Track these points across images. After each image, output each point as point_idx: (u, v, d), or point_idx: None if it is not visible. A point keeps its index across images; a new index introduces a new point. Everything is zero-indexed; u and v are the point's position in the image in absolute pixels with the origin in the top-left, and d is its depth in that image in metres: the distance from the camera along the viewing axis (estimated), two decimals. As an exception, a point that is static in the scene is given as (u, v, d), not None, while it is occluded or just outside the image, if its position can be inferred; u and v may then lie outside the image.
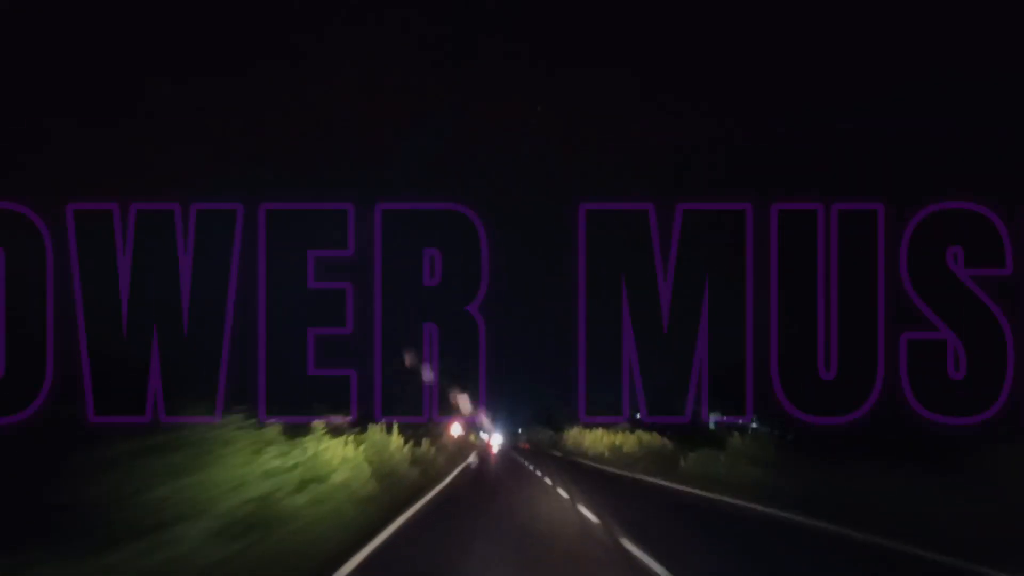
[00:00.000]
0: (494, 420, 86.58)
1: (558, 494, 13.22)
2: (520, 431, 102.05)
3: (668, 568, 5.60)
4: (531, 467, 23.89)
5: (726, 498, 12.15)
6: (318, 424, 8.79)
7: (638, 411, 39.93)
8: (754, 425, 20.70)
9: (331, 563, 5.77)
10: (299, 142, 18.19)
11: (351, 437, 10.36)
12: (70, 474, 4.74)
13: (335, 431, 9.59)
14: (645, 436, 24.03)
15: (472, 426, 78.72)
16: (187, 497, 5.30)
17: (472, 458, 31.21)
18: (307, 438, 8.28)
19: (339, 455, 9.22)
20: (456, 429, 45.86)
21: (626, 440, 25.61)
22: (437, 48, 18.03)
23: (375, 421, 13.67)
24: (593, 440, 31.39)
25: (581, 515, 9.71)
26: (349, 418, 11.77)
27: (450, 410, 47.58)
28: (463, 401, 53.28)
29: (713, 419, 24.14)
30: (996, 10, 11.93)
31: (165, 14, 12.44)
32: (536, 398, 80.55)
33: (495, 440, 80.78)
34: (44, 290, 8.72)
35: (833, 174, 15.36)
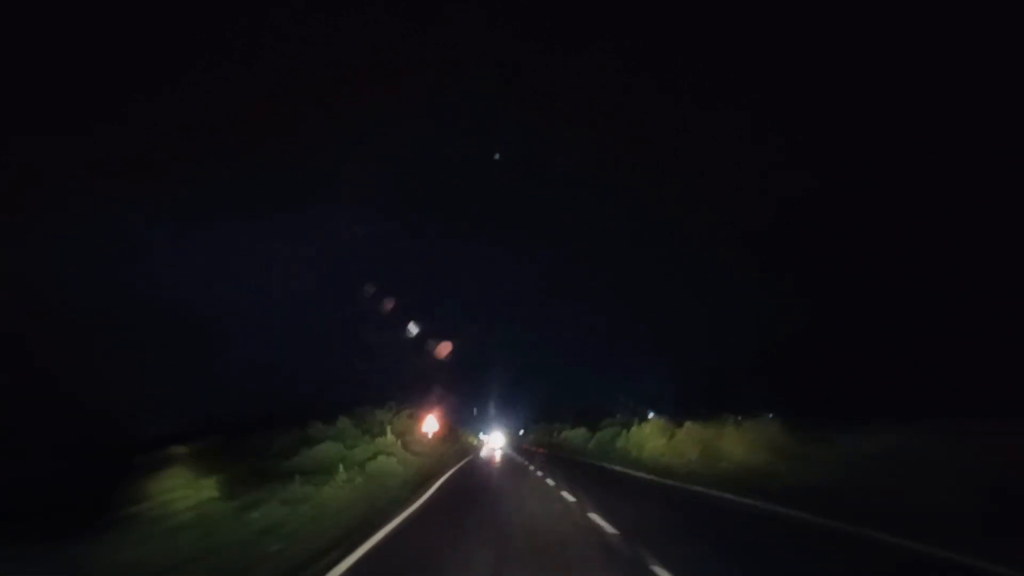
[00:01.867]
0: (491, 416, 67.82)
1: None
2: (523, 431, 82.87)
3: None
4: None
5: None
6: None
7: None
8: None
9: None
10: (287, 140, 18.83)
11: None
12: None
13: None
14: None
15: (463, 421, 60.19)
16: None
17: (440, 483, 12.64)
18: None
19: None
20: (431, 424, 27.44)
21: None
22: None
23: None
24: (740, 441, 12.34)
25: None
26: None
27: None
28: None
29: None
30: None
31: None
32: (548, 387, 63.89)
33: (495, 441, 61.25)
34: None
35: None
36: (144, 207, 15.99)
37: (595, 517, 8.17)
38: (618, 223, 31.11)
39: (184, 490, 7.67)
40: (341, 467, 10.50)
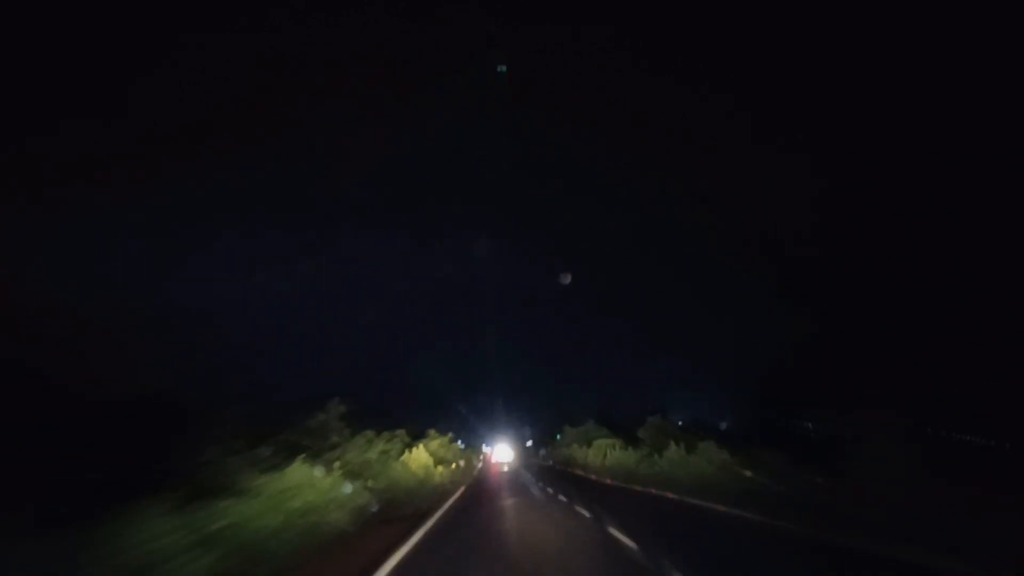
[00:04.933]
0: (497, 423, 63.10)
1: None
2: (530, 443, 78.86)
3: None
4: None
5: None
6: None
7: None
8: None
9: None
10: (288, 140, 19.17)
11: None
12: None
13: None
14: None
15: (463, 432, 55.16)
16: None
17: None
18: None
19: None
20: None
21: None
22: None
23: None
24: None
25: None
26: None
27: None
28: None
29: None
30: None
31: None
32: (549, 397, 61.39)
33: (501, 455, 54.87)
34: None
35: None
36: (130, 211, 15.85)
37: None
38: (619, 224, 31.66)
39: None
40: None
